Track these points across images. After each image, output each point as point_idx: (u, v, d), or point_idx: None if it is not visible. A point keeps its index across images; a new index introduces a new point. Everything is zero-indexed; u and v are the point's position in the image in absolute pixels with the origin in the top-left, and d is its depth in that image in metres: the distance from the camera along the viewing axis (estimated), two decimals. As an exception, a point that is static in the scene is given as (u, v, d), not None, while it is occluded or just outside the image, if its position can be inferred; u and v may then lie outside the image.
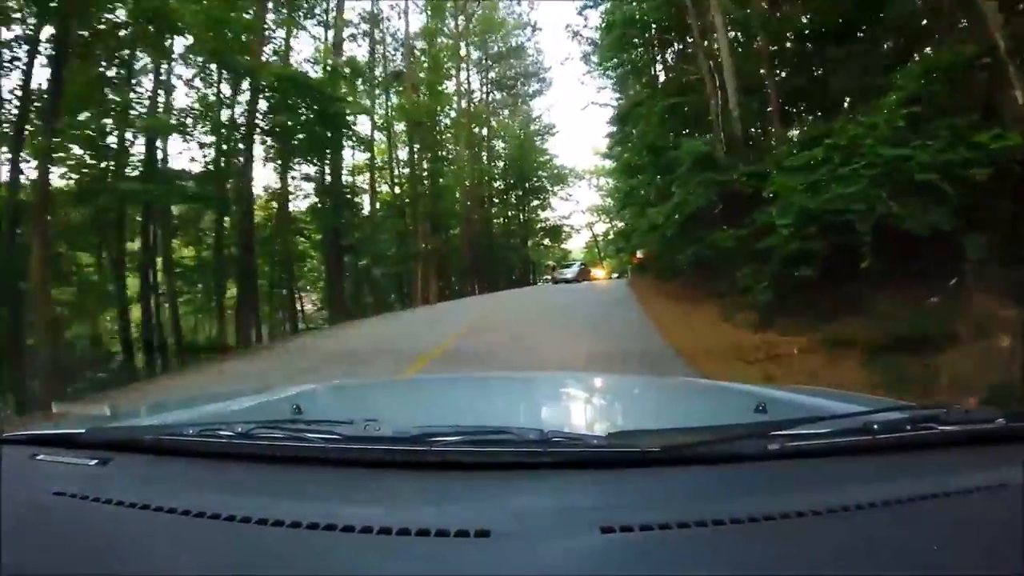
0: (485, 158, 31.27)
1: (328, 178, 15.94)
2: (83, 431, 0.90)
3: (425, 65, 23.20)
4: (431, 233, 22.00)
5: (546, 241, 40.40)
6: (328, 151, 15.10)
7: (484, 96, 31.77)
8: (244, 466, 0.80)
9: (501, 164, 33.08)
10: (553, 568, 0.56)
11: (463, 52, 27.57)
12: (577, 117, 71.41)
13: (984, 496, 0.69)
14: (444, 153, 24.53)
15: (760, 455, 0.75)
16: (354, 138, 16.85)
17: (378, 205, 21.48)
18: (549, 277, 23.76)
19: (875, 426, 0.78)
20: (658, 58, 14.93)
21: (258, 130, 13.20)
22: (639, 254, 26.24)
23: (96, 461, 0.83)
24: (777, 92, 9.67)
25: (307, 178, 15.51)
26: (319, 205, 16.02)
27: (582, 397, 1.54)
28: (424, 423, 0.79)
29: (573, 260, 29.79)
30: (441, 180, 24.02)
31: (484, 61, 30.69)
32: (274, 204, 15.37)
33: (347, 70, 16.31)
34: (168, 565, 0.62)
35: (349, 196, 17.81)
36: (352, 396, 1.60)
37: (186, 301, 13.43)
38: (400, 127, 22.36)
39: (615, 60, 15.44)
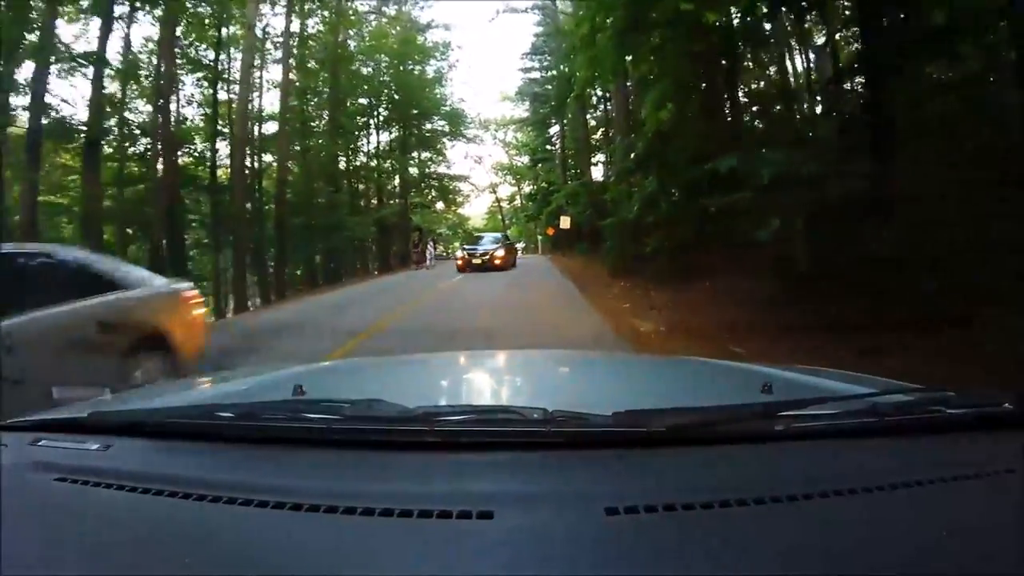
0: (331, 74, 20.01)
1: None
2: (85, 415, 0.89)
3: None
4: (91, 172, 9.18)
5: (439, 205, 29.68)
6: None
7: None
8: (246, 448, 0.79)
9: (387, 92, 21.93)
10: (557, 550, 0.56)
11: None
12: (480, 59, 59.20)
13: (992, 480, 0.68)
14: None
15: (767, 436, 0.76)
16: None
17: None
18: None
19: (882, 408, 0.79)
20: None
21: None
22: (566, 223, 17.66)
23: (98, 446, 0.82)
24: None
25: None
26: None
27: (586, 375, 1.51)
28: (427, 402, 0.80)
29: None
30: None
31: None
32: None
33: None
34: (170, 549, 0.62)
35: None
36: (355, 374, 1.57)
37: None
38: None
39: None
